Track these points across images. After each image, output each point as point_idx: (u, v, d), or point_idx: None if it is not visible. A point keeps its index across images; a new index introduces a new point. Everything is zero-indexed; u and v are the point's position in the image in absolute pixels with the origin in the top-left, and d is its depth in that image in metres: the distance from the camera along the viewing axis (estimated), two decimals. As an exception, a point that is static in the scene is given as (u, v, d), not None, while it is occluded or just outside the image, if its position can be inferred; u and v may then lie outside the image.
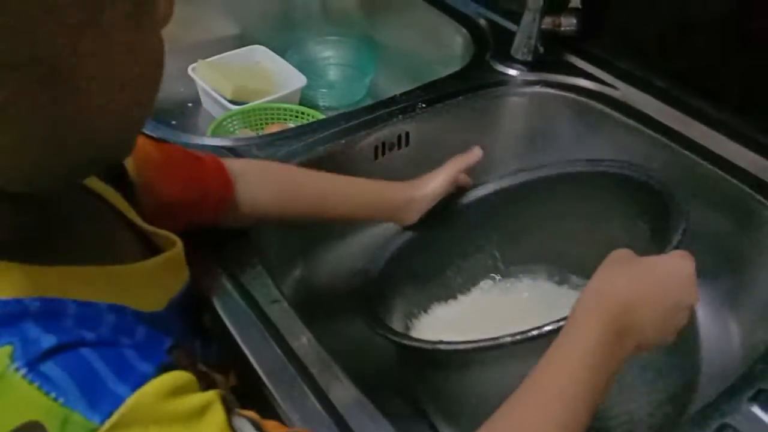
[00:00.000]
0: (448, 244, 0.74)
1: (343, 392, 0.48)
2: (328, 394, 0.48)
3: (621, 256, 0.47)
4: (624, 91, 0.84)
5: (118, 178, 0.41)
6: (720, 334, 0.76)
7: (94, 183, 0.38)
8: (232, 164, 0.58)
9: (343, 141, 0.74)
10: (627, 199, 0.68)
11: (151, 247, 0.41)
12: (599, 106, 0.83)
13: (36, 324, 0.26)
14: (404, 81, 1.12)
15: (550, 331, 0.47)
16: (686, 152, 0.77)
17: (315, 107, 1.08)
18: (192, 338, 0.43)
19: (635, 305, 0.43)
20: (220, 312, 0.52)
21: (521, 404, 0.40)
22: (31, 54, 0.23)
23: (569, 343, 0.42)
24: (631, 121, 0.81)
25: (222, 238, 0.61)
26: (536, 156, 0.90)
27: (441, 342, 0.53)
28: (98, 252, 0.34)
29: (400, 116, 0.78)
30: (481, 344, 0.50)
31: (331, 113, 1.07)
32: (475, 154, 0.72)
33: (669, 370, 0.57)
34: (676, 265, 0.46)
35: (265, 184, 0.60)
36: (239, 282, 0.56)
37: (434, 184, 0.69)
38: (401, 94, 0.81)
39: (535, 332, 0.48)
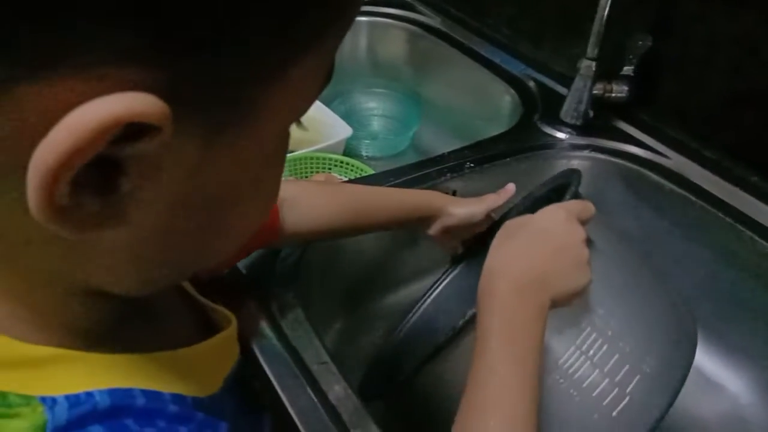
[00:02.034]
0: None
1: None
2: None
3: (507, 228, 0.50)
4: (675, 161, 0.83)
5: None
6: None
7: None
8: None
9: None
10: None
11: (204, 321, 0.41)
12: (649, 174, 0.83)
13: (101, 426, 0.26)
14: (448, 135, 1.13)
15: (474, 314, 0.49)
16: (737, 225, 0.76)
17: (358, 157, 1.09)
18: (245, 414, 0.43)
19: (528, 264, 0.47)
20: (270, 376, 0.51)
21: (475, 391, 0.43)
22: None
23: (485, 325, 0.44)
24: (681, 191, 0.80)
25: (267, 291, 0.61)
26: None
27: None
28: (161, 335, 0.33)
29: (448, 174, 0.78)
30: (426, 355, 0.52)
31: (374, 163, 1.08)
32: (509, 190, 0.71)
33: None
34: (550, 216, 0.50)
35: (309, 209, 0.61)
36: (287, 341, 0.56)
37: (471, 208, 0.68)
38: (449, 153, 0.82)
39: (460, 322, 0.49)
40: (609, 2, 0.77)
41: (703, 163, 0.82)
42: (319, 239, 0.64)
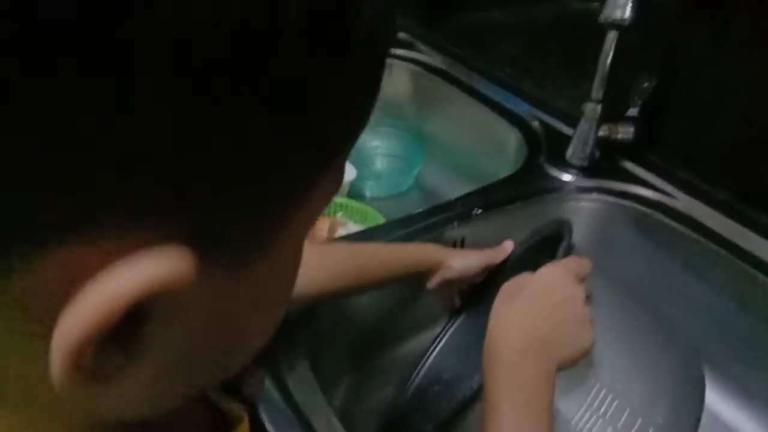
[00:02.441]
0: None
1: None
2: None
3: (507, 290, 0.51)
4: (684, 202, 0.82)
5: None
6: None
7: None
8: None
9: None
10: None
11: (213, 413, 0.39)
12: (658, 215, 0.82)
13: None
14: (452, 174, 1.12)
15: None
16: (748, 267, 0.75)
17: (362, 197, 1.08)
18: None
19: (530, 325, 0.47)
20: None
21: None
22: None
23: (493, 391, 0.44)
24: (692, 233, 0.79)
25: (274, 350, 0.60)
26: (595, 261, 0.88)
27: None
28: None
29: (456, 222, 0.77)
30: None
31: (378, 204, 1.07)
32: (506, 249, 0.72)
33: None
34: (548, 275, 0.51)
35: (312, 272, 0.59)
36: (295, 404, 0.54)
37: (470, 261, 0.69)
38: (456, 199, 0.81)
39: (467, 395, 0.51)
40: (613, 45, 0.77)
41: (714, 204, 0.81)
42: (324, 299, 0.63)
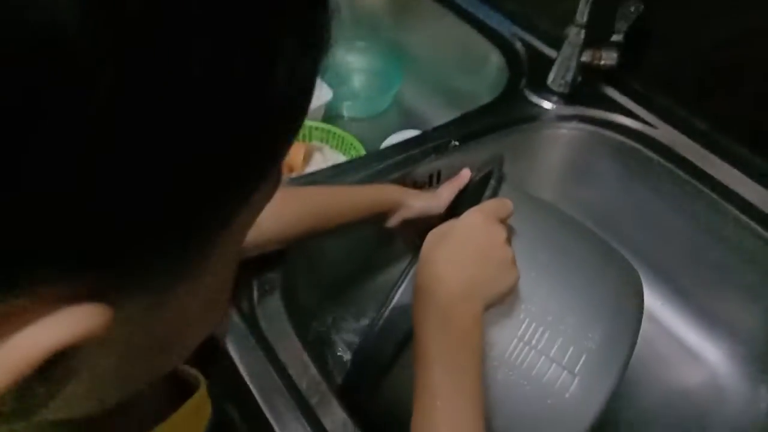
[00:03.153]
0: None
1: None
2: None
3: (433, 236, 0.51)
4: (663, 131, 0.81)
5: None
6: (748, 396, 0.75)
7: None
8: None
9: (374, 183, 0.72)
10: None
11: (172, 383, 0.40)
12: (636, 145, 0.81)
13: None
14: (431, 95, 1.09)
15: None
16: (723, 202, 0.75)
17: (340, 118, 1.06)
18: None
19: (459, 269, 0.48)
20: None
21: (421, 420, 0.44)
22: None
23: (424, 347, 0.46)
24: (667, 164, 0.79)
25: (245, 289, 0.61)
26: (572, 191, 0.88)
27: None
28: (133, 410, 0.32)
29: (433, 155, 0.76)
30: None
31: (355, 125, 1.05)
32: (463, 176, 0.71)
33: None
34: (469, 222, 0.52)
35: (265, 222, 0.59)
36: (267, 344, 0.56)
37: (429, 202, 0.69)
38: (433, 130, 0.79)
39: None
40: (600, -33, 0.73)
41: (692, 133, 0.80)
42: (278, 247, 0.63)
